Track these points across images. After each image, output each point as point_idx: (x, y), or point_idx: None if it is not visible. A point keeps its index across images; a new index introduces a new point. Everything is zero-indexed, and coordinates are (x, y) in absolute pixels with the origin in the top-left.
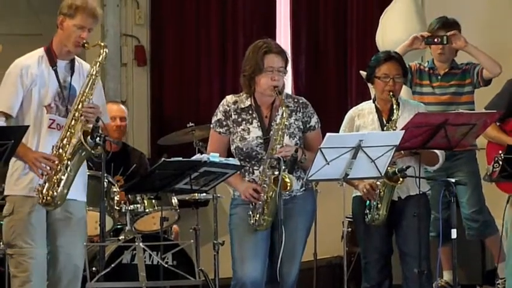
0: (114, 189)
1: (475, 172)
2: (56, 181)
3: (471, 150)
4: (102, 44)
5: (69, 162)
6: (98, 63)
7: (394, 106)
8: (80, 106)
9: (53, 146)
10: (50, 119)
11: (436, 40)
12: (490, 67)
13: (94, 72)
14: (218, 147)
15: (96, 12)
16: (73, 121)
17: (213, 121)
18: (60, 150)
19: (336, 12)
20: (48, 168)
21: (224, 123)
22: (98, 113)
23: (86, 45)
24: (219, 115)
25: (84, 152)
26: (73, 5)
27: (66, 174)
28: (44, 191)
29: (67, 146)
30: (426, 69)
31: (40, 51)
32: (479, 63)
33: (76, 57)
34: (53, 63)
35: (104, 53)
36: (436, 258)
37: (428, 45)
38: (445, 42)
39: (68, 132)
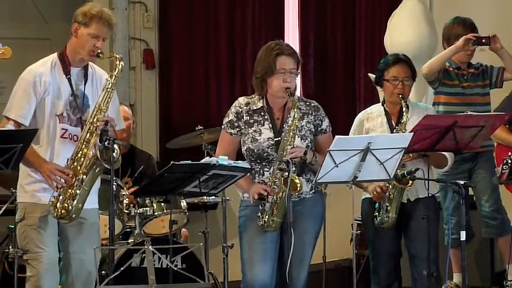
0: (123, 193)
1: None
2: (70, 195)
3: (489, 151)
4: (118, 56)
5: (84, 177)
6: (114, 77)
7: (404, 109)
8: (95, 119)
9: (67, 159)
10: (62, 129)
11: (483, 41)
12: None
13: (110, 86)
14: (228, 149)
15: (112, 21)
16: (88, 134)
17: (224, 122)
18: (75, 163)
19: (344, 15)
20: (63, 181)
21: (236, 124)
22: (112, 125)
23: (100, 55)
24: (230, 116)
25: (98, 168)
26: (88, 13)
27: (81, 189)
28: (59, 204)
29: (82, 159)
30: (451, 69)
31: (53, 57)
32: (493, 65)
33: (89, 62)
34: (66, 72)
35: (120, 65)
36: (445, 260)
37: (478, 46)
38: (489, 44)
39: (83, 146)
